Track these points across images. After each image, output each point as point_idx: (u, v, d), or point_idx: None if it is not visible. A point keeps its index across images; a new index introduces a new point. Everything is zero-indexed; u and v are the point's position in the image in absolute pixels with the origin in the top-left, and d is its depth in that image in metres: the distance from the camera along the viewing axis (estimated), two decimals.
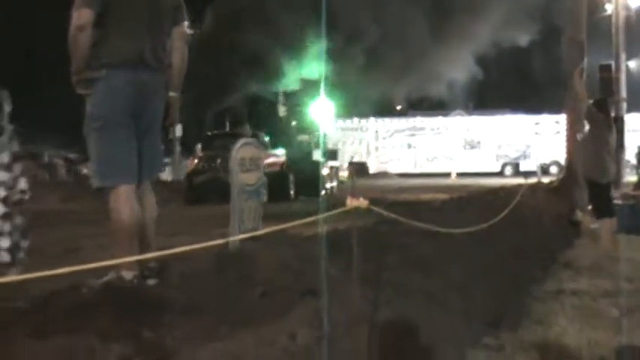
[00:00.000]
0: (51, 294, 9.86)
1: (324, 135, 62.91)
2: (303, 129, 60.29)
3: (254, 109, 69.55)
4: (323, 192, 44.35)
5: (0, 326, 7.99)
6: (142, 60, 11.37)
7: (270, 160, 42.95)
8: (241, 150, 16.94)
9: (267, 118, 65.78)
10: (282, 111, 52.99)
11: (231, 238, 12.60)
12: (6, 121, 11.13)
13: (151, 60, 11.48)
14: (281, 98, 54.60)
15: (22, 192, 11.13)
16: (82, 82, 11.19)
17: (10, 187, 10.97)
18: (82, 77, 11.15)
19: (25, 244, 11.73)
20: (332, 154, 61.22)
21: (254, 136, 45.33)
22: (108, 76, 11.13)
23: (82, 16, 10.87)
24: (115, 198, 11.11)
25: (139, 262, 10.78)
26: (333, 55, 67.15)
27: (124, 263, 10.68)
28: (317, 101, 59.41)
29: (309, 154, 52.74)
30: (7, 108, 11.66)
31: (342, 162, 64.52)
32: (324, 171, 49.80)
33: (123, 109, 11.17)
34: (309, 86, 61.55)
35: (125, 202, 11.11)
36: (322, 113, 63.45)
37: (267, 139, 50.12)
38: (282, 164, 45.20)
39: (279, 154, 53.04)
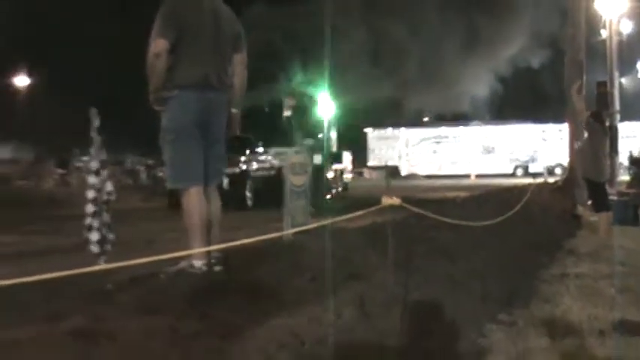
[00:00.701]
0: (134, 279, 9.95)
1: (328, 139, 60.94)
2: (307, 133, 58.17)
3: (258, 113, 65.37)
4: (328, 195, 40.42)
5: (91, 306, 8.06)
6: (208, 82, 11.48)
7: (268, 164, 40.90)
8: (293, 156, 17.22)
9: (271, 121, 60.58)
10: (286, 115, 49.05)
11: (285, 232, 12.73)
12: (95, 133, 11.25)
13: (215, 82, 11.61)
14: (286, 102, 50.16)
15: (109, 193, 11.22)
16: (158, 100, 11.38)
17: (99, 189, 11.07)
18: (158, 96, 11.34)
19: (111, 237, 11.82)
20: (336, 157, 59.33)
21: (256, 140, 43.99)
22: (179, 95, 11.29)
23: (158, 46, 11.07)
24: (187, 198, 11.31)
25: (207, 252, 10.91)
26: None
27: (194, 253, 10.86)
28: (321, 107, 57.16)
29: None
30: (96, 122, 11.83)
31: (347, 165, 60.48)
32: (329, 174, 46.12)
33: (192, 123, 11.31)
34: (309, 98, 58.66)
35: (195, 202, 11.27)
36: (326, 118, 61.85)
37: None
38: (278, 169, 38.09)
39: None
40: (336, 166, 51.58)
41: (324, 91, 61.57)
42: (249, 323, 7.98)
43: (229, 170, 34.15)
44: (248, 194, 38.25)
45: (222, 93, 11.87)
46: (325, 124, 59.09)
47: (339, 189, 49.76)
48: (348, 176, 58.84)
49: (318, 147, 50.59)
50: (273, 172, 40.21)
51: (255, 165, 40.45)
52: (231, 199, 31.94)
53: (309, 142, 46.49)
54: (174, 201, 35.83)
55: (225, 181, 30.81)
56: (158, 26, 11.15)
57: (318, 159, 43.36)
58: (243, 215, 29.37)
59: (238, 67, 12.20)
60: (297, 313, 8.55)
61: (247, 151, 40.10)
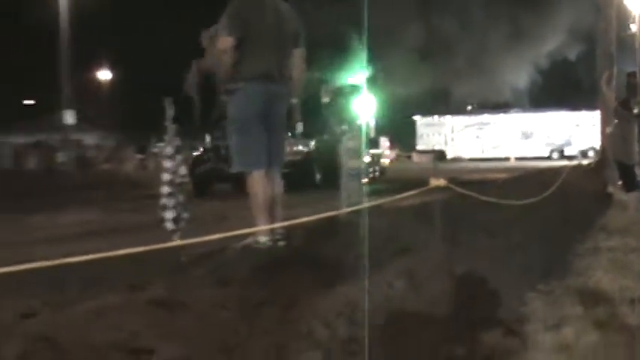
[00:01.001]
0: (205, 254, 10.14)
1: (367, 125, 59.03)
2: (343, 120, 56.16)
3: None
4: (365, 179, 34.17)
5: (168, 278, 8.22)
6: (270, 75, 11.86)
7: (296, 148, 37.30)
8: (349, 142, 17.40)
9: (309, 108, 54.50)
10: (323, 102, 45.28)
11: (341, 211, 12.83)
12: (170, 122, 11.47)
13: (276, 75, 11.97)
14: (324, 87, 46.35)
15: (183, 176, 11.47)
16: (225, 92, 11.79)
17: (174, 172, 11.31)
18: (225, 88, 11.74)
19: (185, 215, 12.05)
20: (373, 143, 56.18)
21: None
22: (245, 87, 11.63)
23: (224, 42, 11.44)
24: (251, 181, 11.66)
25: (271, 228, 11.14)
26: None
27: (260, 230, 11.21)
28: (361, 96, 54.22)
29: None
30: (171, 111, 12.09)
31: (384, 149, 58.17)
32: (366, 158, 39.59)
33: (255, 113, 11.64)
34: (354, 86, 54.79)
35: (259, 184, 11.59)
36: (365, 106, 59.76)
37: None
38: (306, 153, 37.49)
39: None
40: (373, 151, 49.16)
41: (364, 80, 60.08)
42: (311, 293, 8.11)
43: None
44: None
45: (282, 85, 12.20)
46: (364, 112, 57.17)
47: (377, 173, 48.09)
48: (385, 161, 56.36)
49: (354, 133, 48.02)
50: (299, 157, 37.87)
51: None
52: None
53: (345, 128, 44.54)
54: (196, 187, 33.36)
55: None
56: (224, 24, 11.49)
57: (353, 144, 40.97)
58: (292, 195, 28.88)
59: (297, 60, 12.47)
60: (353, 284, 8.68)
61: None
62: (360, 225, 11.97)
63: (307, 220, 10.46)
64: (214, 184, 33.84)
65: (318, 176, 38.33)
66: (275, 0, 12.08)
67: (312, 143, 42.65)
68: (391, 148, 59.63)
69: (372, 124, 65.67)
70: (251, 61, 11.76)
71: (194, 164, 34.90)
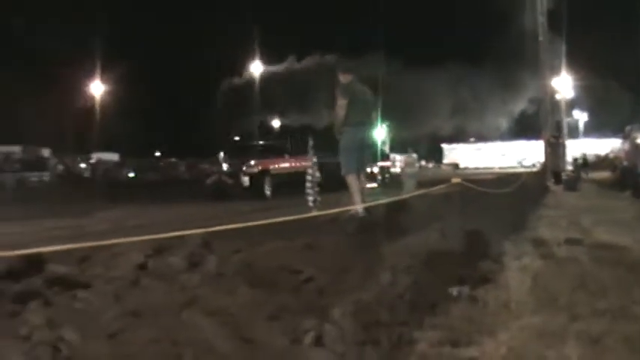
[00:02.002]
0: (330, 219, 10.28)
1: (383, 144, 54.09)
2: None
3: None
4: (375, 184, 29.03)
5: (310, 232, 8.37)
6: (363, 122, 12.34)
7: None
8: (407, 158, 18.06)
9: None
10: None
11: (404, 196, 13.10)
12: (310, 147, 12.15)
13: (366, 122, 12.57)
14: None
15: (317, 177, 12.01)
16: (338, 133, 12.27)
17: (311, 175, 11.83)
18: (339, 130, 12.26)
19: (318, 199, 12.48)
20: (385, 157, 51.33)
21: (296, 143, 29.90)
22: (350, 130, 12.11)
23: (342, 103, 12.07)
24: (349, 179, 12.19)
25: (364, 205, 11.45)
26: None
27: (357, 206, 11.50)
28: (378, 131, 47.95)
29: None
30: (311, 142, 12.75)
31: (394, 161, 53.83)
32: (375, 169, 34.00)
33: (354, 143, 12.04)
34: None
35: (354, 180, 12.13)
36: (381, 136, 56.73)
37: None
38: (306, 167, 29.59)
39: None
40: (381, 164, 43.15)
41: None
42: (387, 240, 8.21)
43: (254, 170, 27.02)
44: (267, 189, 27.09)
45: (369, 127, 12.87)
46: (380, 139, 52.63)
47: (384, 179, 40.22)
48: (395, 170, 46.08)
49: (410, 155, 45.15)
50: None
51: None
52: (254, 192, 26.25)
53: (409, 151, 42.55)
54: (207, 193, 26.95)
55: (247, 179, 26.00)
56: (340, 94, 12.21)
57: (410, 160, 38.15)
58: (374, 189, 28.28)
59: (374, 115, 13.69)
60: (411, 237, 8.77)
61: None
62: (413, 204, 12.31)
63: (384, 201, 10.77)
64: (217, 192, 26.63)
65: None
66: (361, 83, 12.84)
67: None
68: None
69: (387, 145, 61.52)
70: (353, 114, 12.16)
71: (205, 176, 28.93)
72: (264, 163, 26.86)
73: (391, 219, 10.81)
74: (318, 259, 6.65)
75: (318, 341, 4.53)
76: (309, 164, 24.82)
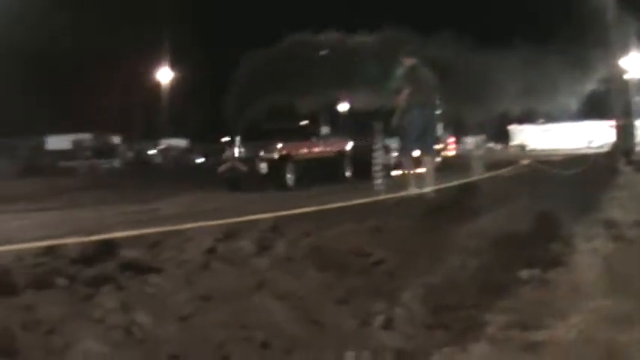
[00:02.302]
0: (398, 201, 10.23)
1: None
2: None
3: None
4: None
5: (378, 214, 8.37)
6: (425, 105, 12.42)
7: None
8: (477, 138, 17.58)
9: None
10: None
11: (473, 178, 13.00)
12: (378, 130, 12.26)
13: (429, 104, 12.62)
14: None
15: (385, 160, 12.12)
16: (399, 116, 12.38)
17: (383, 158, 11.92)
18: (400, 113, 12.34)
19: (385, 182, 12.46)
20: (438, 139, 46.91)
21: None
22: (412, 113, 12.28)
23: (404, 86, 12.27)
24: (427, 160, 12.48)
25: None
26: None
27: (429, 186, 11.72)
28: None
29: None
30: (378, 125, 12.81)
31: (447, 144, 47.56)
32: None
33: (417, 126, 12.12)
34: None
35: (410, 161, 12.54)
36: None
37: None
38: (338, 150, 25.12)
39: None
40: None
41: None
42: (454, 222, 8.16)
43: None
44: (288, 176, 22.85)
45: (431, 110, 12.89)
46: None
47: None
48: (449, 153, 42.56)
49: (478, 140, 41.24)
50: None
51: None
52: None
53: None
54: (221, 182, 22.95)
55: (263, 165, 21.82)
56: (403, 78, 12.44)
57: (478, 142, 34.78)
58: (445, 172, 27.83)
59: (435, 96, 13.34)
60: (480, 219, 8.70)
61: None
62: (481, 186, 12.15)
63: (454, 183, 10.67)
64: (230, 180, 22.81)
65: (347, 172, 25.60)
66: (423, 66, 12.88)
67: None
68: (455, 143, 53.22)
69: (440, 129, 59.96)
70: (416, 96, 12.20)
71: (218, 164, 24.02)
72: (285, 148, 22.86)
73: (460, 201, 10.68)
74: (387, 241, 6.63)
75: (388, 324, 4.53)
76: (341, 148, 23.13)
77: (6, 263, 4.80)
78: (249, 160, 22.34)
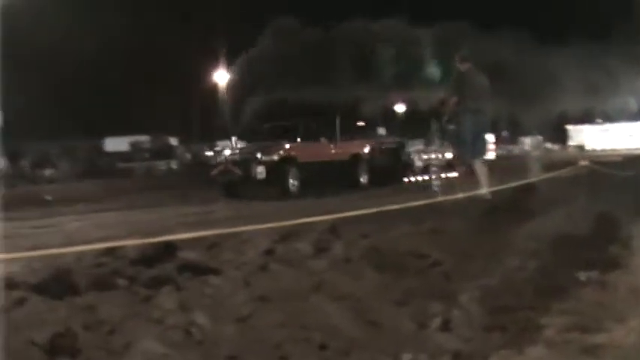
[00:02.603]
0: (454, 203, 10.21)
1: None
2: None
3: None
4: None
5: (435, 215, 8.36)
6: (479, 110, 12.39)
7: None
8: (535, 139, 17.34)
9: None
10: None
11: (530, 179, 12.91)
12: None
13: (482, 109, 12.50)
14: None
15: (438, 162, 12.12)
16: (449, 120, 12.70)
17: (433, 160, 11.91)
18: (450, 117, 12.61)
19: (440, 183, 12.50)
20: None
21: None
22: (466, 117, 12.32)
23: (453, 99, 12.45)
24: (478, 165, 12.23)
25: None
26: None
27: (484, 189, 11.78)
28: None
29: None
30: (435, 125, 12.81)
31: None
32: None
33: (469, 129, 12.21)
34: None
35: (482, 168, 12.20)
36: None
37: None
38: (353, 153, 22.10)
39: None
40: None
41: None
42: (514, 226, 8.09)
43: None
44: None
45: (483, 115, 12.66)
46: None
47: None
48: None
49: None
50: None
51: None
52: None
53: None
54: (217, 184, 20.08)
55: (261, 169, 19.06)
56: (457, 82, 12.59)
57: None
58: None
59: (488, 103, 12.90)
60: (537, 220, 8.63)
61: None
62: (539, 187, 12.06)
63: (514, 184, 10.63)
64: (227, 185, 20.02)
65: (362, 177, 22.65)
66: (478, 71, 12.77)
67: None
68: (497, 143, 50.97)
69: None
70: (467, 102, 12.24)
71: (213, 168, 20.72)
72: (287, 148, 20.07)
73: (517, 202, 10.58)
74: (444, 243, 6.62)
75: (445, 326, 4.52)
76: (357, 150, 21.18)
77: (68, 263, 4.90)
78: (245, 162, 19.52)
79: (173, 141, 53.38)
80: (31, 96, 37.68)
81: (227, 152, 20.77)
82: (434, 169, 13.74)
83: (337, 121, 22.35)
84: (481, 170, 12.20)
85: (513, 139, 48.71)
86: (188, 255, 5.14)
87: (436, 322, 4.54)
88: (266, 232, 6.21)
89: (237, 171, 19.32)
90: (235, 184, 19.71)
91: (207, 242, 5.75)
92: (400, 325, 4.48)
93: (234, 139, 22.00)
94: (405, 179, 24.27)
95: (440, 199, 10.95)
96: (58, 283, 4.45)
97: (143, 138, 49.90)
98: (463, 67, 12.48)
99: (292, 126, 21.63)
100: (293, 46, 34.07)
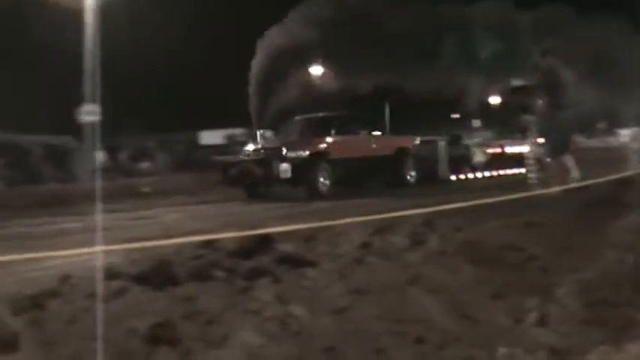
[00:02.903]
0: (549, 197, 10.03)
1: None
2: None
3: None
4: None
5: (531, 210, 8.25)
6: (567, 105, 12.29)
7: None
8: (634, 130, 16.82)
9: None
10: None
11: (629, 172, 12.56)
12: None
13: (568, 104, 12.36)
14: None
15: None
16: (547, 115, 12.32)
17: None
18: (547, 113, 12.31)
19: (538, 176, 12.20)
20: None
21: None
22: (562, 112, 12.23)
23: (539, 92, 12.44)
24: (565, 159, 12.06)
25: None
26: None
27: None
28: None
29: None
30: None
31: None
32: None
33: (565, 126, 12.27)
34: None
35: (570, 160, 12.11)
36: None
37: None
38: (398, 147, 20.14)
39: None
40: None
41: None
42: (611, 220, 7.87)
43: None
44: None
45: (570, 111, 12.52)
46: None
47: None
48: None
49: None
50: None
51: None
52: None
53: None
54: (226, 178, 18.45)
55: (286, 168, 17.00)
56: (547, 76, 12.26)
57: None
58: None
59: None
60: (635, 214, 8.43)
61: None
62: (637, 181, 11.62)
63: (585, 183, 10.35)
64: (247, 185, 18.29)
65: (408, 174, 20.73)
66: (561, 64, 12.65)
67: None
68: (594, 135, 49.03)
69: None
70: (562, 97, 12.21)
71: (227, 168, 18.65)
72: (317, 143, 18.17)
73: (616, 195, 10.34)
74: (540, 236, 6.54)
75: (542, 321, 4.49)
76: (403, 145, 19.63)
77: (167, 255, 5.02)
78: (266, 160, 17.54)
79: (268, 133, 53.52)
80: (128, 90, 38.31)
81: (250, 147, 18.97)
82: (530, 161, 13.36)
83: (386, 111, 22.38)
84: (570, 164, 11.97)
85: (611, 131, 47.41)
86: (285, 247, 5.21)
87: (532, 316, 4.50)
88: (360, 225, 6.23)
89: (258, 170, 17.45)
90: (255, 184, 18.14)
91: (304, 234, 5.81)
92: (495, 320, 4.46)
93: (259, 132, 20.02)
94: (461, 176, 23.37)
95: (532, 192, 10.76)
96: (157, 274, 4.59)
97: (238, 131, 50.27)
98: (546, 61, 12.30)
99: (325, 119, 20.06)
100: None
